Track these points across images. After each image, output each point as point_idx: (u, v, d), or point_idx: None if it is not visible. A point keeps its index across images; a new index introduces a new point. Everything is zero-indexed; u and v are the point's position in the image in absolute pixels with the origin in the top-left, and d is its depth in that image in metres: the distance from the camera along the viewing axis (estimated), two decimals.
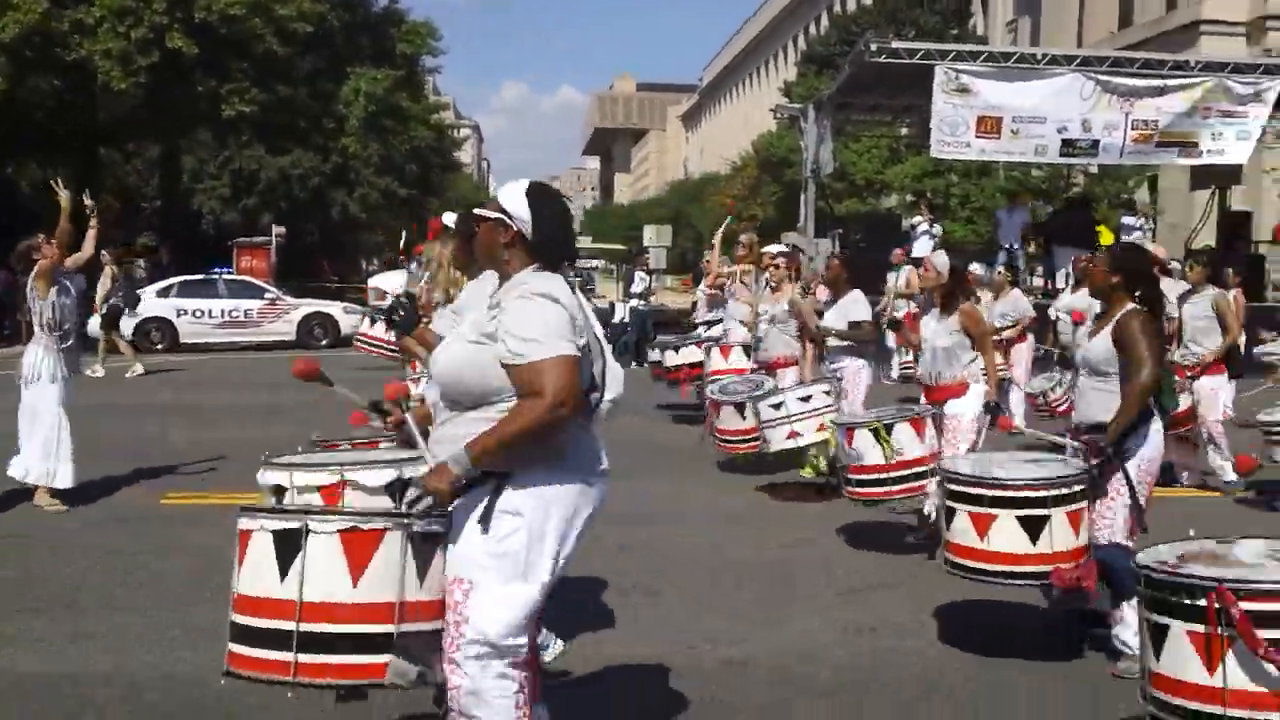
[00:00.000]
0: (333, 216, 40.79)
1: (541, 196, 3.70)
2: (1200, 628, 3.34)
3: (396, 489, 3.70)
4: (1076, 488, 5.29)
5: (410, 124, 40.47)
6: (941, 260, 7.67)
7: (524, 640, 3.57)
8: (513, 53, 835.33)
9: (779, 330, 10.05)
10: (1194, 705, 3.38)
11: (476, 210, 3.81)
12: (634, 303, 24.12)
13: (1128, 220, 21.61)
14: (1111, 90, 18.77)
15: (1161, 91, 18.86)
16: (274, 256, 33.66)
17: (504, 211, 3.68)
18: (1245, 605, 3.28)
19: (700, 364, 12.32)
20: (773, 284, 10.20)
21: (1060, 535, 5.21)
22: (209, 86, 30.84)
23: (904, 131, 30.70)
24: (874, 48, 19.66)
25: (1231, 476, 9.51)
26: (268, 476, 4.46)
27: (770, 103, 39.26)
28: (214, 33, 29.95)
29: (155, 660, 5.51)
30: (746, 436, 9.67)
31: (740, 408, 9.68)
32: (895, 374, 15.57)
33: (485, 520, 3.52)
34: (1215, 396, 9.63)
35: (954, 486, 5.47)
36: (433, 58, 43.23)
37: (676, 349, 13.16)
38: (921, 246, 19.67)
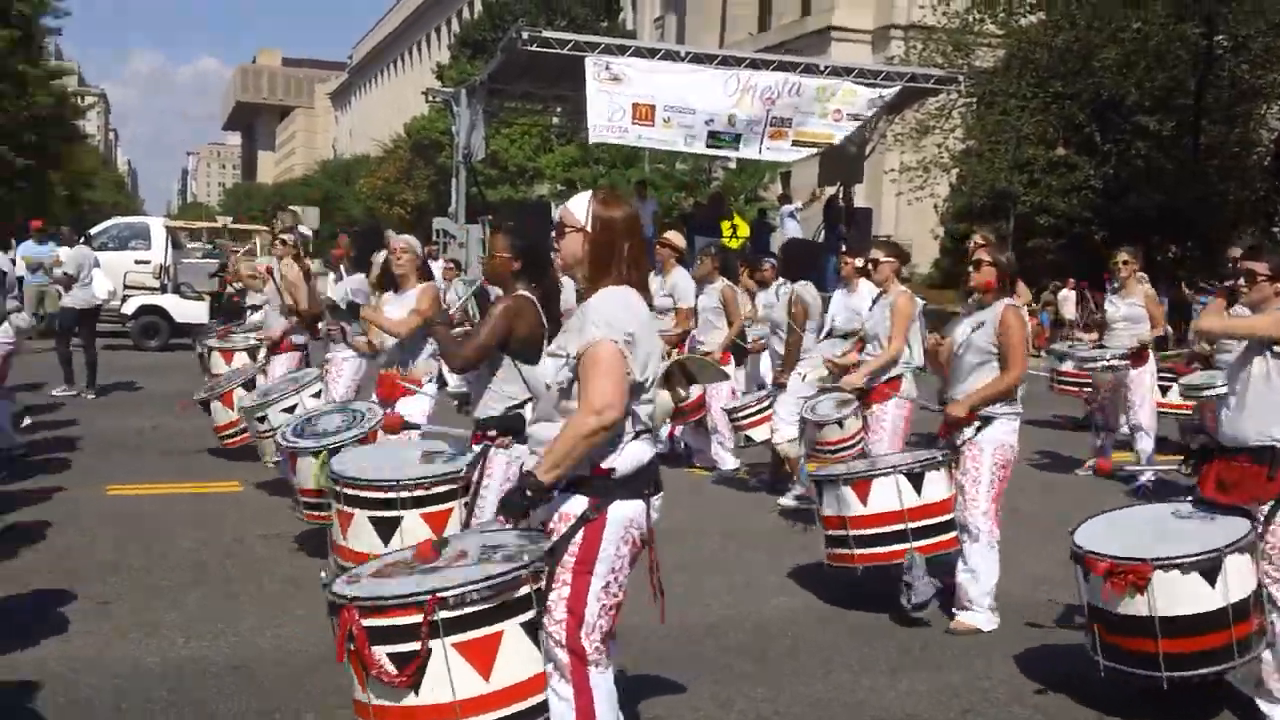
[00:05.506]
0: None
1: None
2: (339, 642, 3.29)
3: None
4: (437, 489, 5.08)
5: (28, 89, 36.98)
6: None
7: None
8: (146, 17, 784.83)
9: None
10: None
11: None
12: None
13: (787, 209, 22.76)
14: (752, 88, 19.66)
15: (798, 91, 19.93)
16: None
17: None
18: (368, 622, 3.22)
19: None
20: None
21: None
22: None
23: (555, 120, 31.02)
24: (525, 36, 19.68)
25: (732, 465, 9.78)
26: None
27: (423, 84, 38.73)
28: None
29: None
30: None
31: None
32: None
33: None
34: (720, 385, 9.63)
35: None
36: (54, 18, 39.76)
37: None
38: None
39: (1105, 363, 9.87)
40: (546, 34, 20.31)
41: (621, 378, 3.34)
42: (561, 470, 3.33)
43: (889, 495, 5.84)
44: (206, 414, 9.65)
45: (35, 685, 4.70)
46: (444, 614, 3.20)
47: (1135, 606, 4.51)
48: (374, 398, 6.82)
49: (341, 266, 8.92)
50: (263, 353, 9.75)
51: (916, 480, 5.82)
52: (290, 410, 7.96)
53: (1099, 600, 4.65)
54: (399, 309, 6.60)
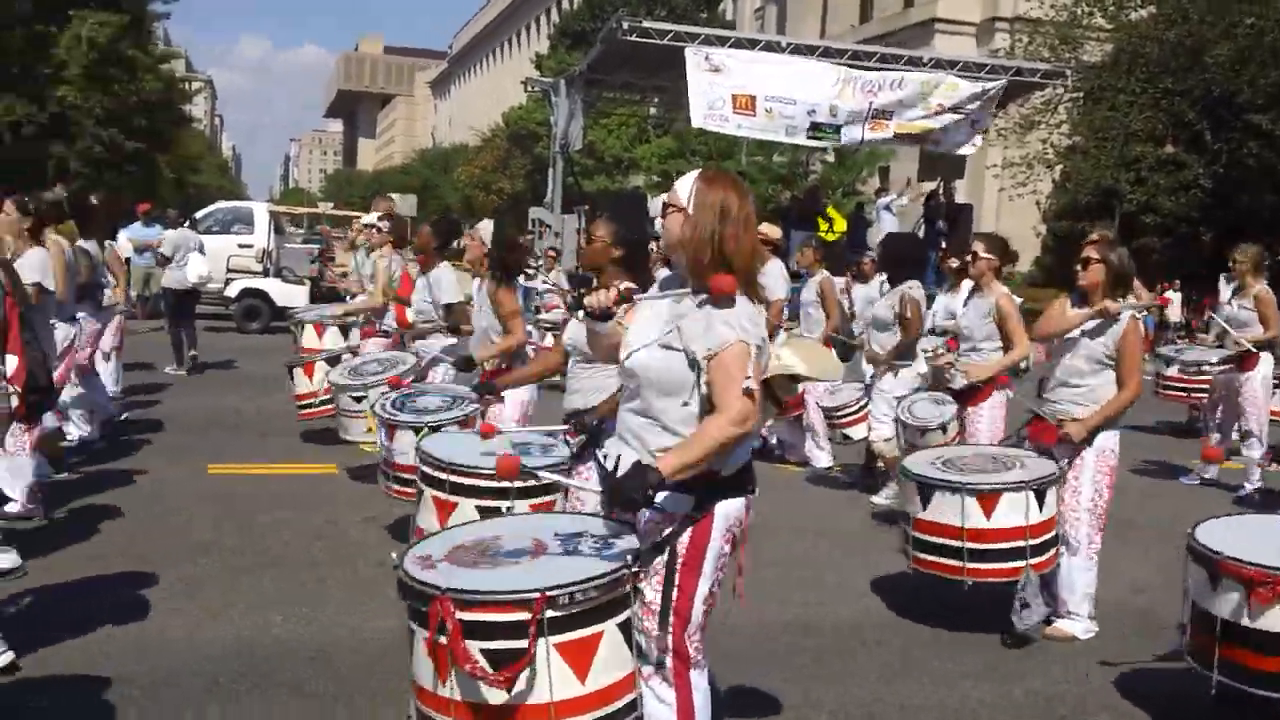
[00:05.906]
0: (49, 170, 37.84)
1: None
2: (429, 635, 3.10)
3: None
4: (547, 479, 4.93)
5: (138, 74, 37.93)
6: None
7: None
8: (253, 4, 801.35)
9: None
10: (431, 713, 3.18)
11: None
12: None
13: (883, 201, 22.42)
14: (855, 80, 19.40)
15: (900, 85, 19.62)
16: None
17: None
18: (464, 616, 3.03)
19: None
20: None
21: None
22: None
23: (652, 111, 30.98)
24: (625, 26, 19.68)
25: (826, 462, 9.65)
26: None
27: (522, 74, 39.03)
28: None
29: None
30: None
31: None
32: None
33: None
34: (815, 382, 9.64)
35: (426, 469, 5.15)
36: (163, 3, 40.73)
37: None
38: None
39: (1209, 365, 9.56)
40: (646, 24, 20.29)
41: (756, 382, 3.22)
42: (691, 472, 3.17)
43: (1017, 511, 5.47)
44: (292, 380, 9.72)
45: (125, 664, 4.76)
46: (550, 613, 3.04)
47: (1277, 621, 4.20)
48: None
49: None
50: (354, 333, 9.79)
51: (1040, 496, 5.50)
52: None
53: (1227, 611, 4.31)
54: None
